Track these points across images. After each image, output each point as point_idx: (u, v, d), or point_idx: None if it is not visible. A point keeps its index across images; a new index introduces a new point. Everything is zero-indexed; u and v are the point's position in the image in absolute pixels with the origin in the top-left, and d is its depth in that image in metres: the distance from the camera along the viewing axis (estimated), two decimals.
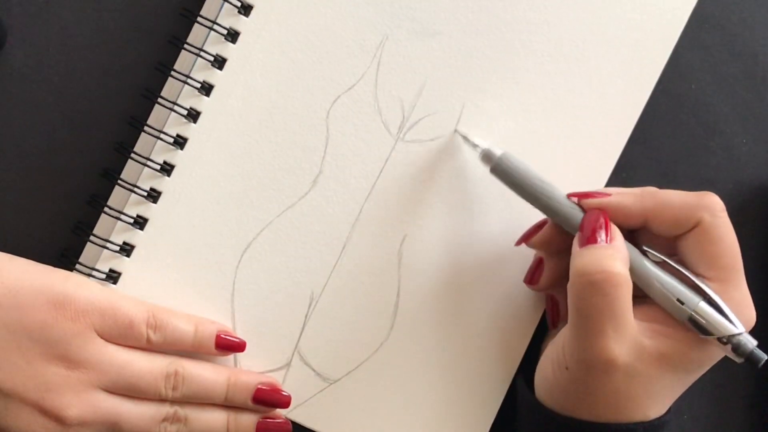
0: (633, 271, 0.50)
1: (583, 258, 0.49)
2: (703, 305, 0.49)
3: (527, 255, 0.57)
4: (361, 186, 0.56)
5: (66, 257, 0.55)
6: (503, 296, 0.58)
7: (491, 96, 0.57)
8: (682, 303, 0.49)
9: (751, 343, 0.49)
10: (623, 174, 0.59)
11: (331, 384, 0.57)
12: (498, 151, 0.54)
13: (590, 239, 0.50)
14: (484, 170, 0.55)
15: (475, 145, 0.55)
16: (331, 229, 0.56)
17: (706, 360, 0.51)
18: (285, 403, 0.55)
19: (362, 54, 0.56)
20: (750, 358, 0.49)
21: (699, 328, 0.49)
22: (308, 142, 0.56)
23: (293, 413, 0.56)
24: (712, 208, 0.50)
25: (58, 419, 0.50)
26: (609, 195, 0.52)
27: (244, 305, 0.56)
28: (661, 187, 0.60)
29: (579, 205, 0.53)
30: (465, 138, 0.56)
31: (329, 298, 0.56)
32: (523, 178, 0.53)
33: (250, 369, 0.56)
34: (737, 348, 0.49)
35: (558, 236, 0.53)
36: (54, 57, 0.55)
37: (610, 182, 0.58)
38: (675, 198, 0.51)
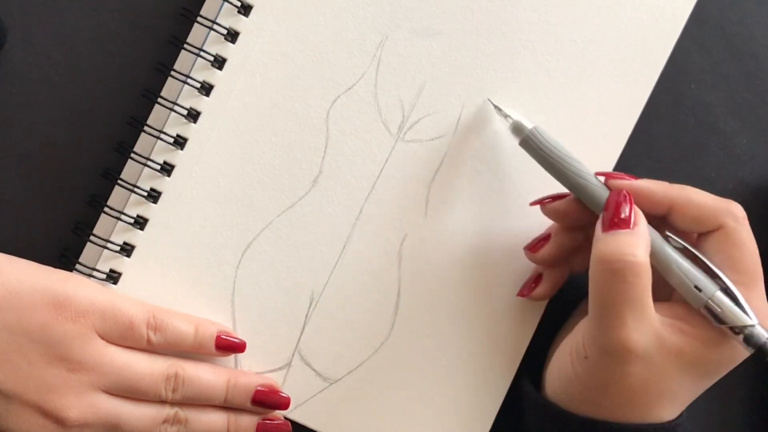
0: (654, 254, 0.50)
1: (605, 245, 0.49)
2: (720, 294, 0.49)
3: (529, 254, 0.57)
4: (361, 186, 0.56)
5: (66, 257, 0.55)
6: (504, 295, 0.57)
7: (490, 96, 0.57)
8: (700, 290, 0.49)
9: (763, 335, 0.49)
10: None
11: (331, 384, 0.57)
12: (529, 124, 0.54)
13: (613, 223, 0.50)
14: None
15: (506, 116, 0.55)
16: (332, 229, 0.56)
17: (725, 362, 0.51)
18: (284, 404, 0.55)
19: (362, 54, 0.56)
20: (761, 350, 0.49)
21: (714, 316, 0.49)
22: (308, 142, 0.56)
23: (294, 413, 0.56)
24: (736, 215, 0.51)
25: (58, 421, 0.50)
26: (637, 179, 0.52)
27: (244, 305, 0.56)
28: None
29: (606, 185, 0.52)
30: (497, 108, 0.56)
31: (329, 298, 0.56)
32: (552, 152, 0.53)
33: (250, 369, 0.56)
34: (749, 339, 0.49)
35: (576, 211, 0.53)
36: (54, 57, 0.55)
37: None
38: (702, 196, 0.52)
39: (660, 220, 0.53)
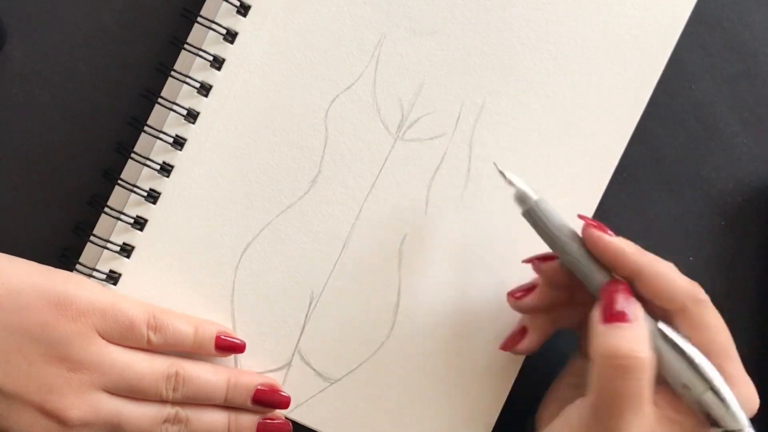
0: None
1: (611, 339, 0.48)
2: (709, 396, 0.48)
3: (529, 252, 0.57)
4: (360, 185, 0.56)
5: (66, 257, 0.55)
6: (504, 295, 0.57)
7: (490, 94, 0.57)
8: (689, 388, 0.49)
9: None
10: (624, 174, 0.59)
11: (331, 384, 0.57)
12: (534, 196, 0.53)
13: (612, 315, 0.49)
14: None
15: (510, 183, 0.54)
16: (331, 229, 0.56)
17: None
18: (284, 403, 0.56)
19: (360, 53, 0.56)
20: None
21: (704, 415, 0.48)
22: (307, 141, 0.56)
23: (294, 413, 0.57)
24: (697, 299, 0.50)
25: (60, 421, 0.50)
26: (613, 235, 0.52)
27: (244, 305, 0.56)
28: (661, 187, 0.60)
29: (583, 233, 0.52)
30: (501, 174, 0.54)
31: (329, 298, 0.56)
32: (554, 230, 0.52)
33: (250, 369, 0.56)
34: None
35: (565, 275, 0.53)
36: (54, 57, 0.55)
37: (611, 182, 0.58)
38: (670, 273, 0.51)
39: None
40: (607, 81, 0.57)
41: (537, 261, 0.55)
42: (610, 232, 0.52)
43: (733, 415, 0.48)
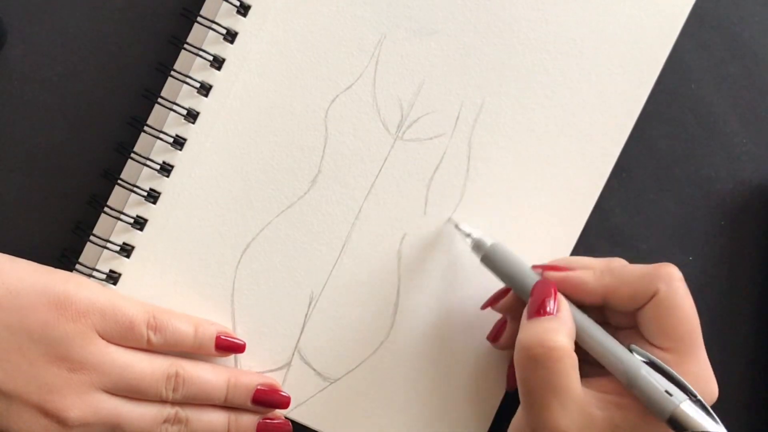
0: (619, 370, 0.50)
1: (526, 332, 0.50)
2: (680, 409, 0.47)
3: (528, 254, 0.57)
4: (360, 185, 0.56)
5: (66, 257, 0.55)
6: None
7: (489, 94, 0.57)
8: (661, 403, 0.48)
9: None
10: (623, 174, 0.59)
11: (331, 383, 0.57)
12: (489, 242, 0.54)
13: (537, 311, 0.50)
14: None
15: (467, 234, 0.56)
16: (331, 229, 0.56)
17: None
18: (284, 403, 0.56)
19: (360, 53, 0.56)
20: None
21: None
22: (307, 141, 0.56)
23: (294, 413, 0.57)
24: (668, 278, 0.51)
25: (59, 421, 0.50)
26: (569, 270, 0.53)
27: (244, 305, 0.56)
28: (661, 187, 0.60)
29: (543, 276, 0.53)
30: (457, 227, 0.57)
31: (329, 298, 0.56)
32: (509, 272, 0.54)
33: (250, 369, 0.56)
34: None
35: (521, 304, 0.54)
36: (54, 57, 0.55)
37: (611, 182, 0.58)
38: (633, 271, 0.52)
39: (600, 308, 0.53)
40: (605, 81, 0.57)
41: (492, 303, 0.56)
42: (564, 267, 0.53)
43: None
